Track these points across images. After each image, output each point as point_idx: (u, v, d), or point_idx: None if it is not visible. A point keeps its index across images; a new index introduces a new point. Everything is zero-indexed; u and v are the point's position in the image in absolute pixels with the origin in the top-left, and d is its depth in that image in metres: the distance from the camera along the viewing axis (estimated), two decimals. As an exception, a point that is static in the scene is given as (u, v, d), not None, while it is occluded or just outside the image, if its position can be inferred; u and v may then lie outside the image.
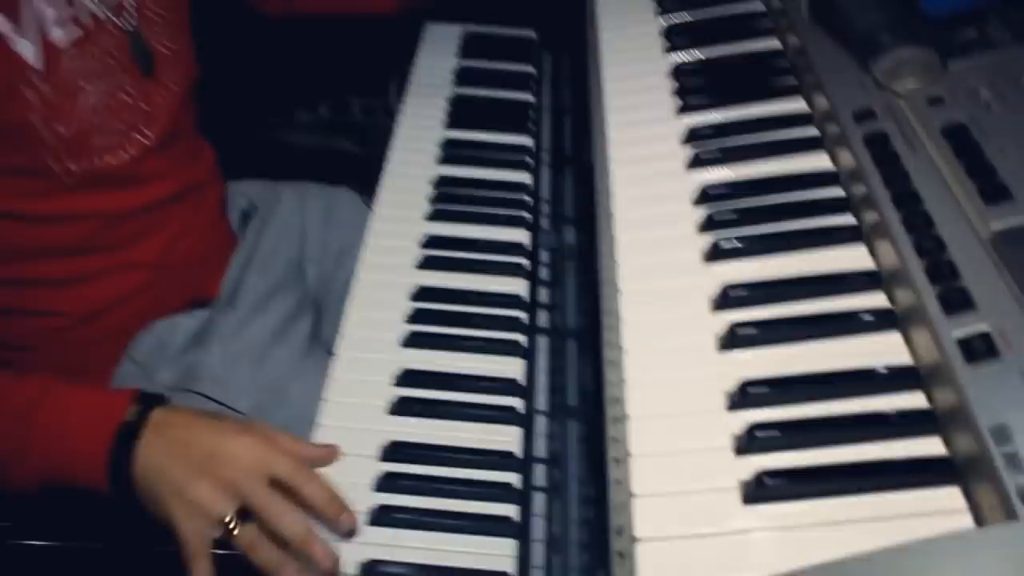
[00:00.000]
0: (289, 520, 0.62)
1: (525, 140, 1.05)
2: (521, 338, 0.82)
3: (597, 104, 0.81)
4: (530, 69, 1.18)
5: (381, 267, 0.89)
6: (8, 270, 0.83)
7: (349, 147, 2.12)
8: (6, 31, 0.71)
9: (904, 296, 0.55)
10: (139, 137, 0.86)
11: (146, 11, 0.86)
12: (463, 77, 1.15)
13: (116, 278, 0.90)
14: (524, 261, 0.90)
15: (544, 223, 0.95)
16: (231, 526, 0.62)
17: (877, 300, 0.57)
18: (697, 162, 0.70)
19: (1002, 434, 0.44)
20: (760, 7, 0.88)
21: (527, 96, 1.13)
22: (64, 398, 0.70)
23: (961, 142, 0.59)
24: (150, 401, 0.69)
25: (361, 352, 0.80)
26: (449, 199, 0.96)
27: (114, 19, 0.82)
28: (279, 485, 0.64)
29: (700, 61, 0.82)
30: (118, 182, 0.86)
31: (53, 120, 0.76)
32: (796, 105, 0.74)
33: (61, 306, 0.88)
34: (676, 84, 0.80)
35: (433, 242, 0.91)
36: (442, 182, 0.98)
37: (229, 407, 0.88)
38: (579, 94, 1.08)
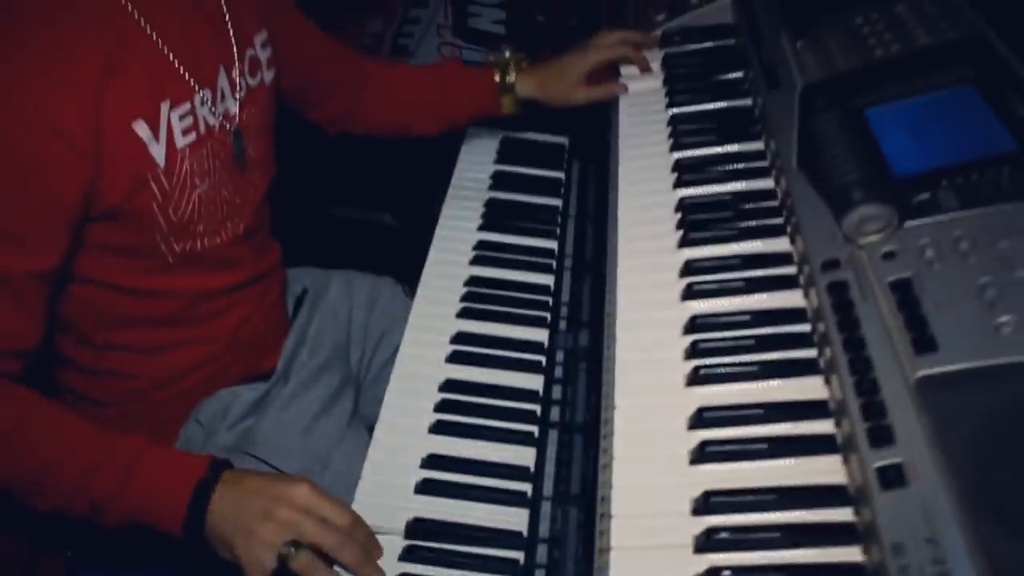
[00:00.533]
0: (348, 549, 0.76)
1: (551, 244, 1.18)
2: (534, 429, 0.93)
3: (612, 231, 0.93)
4: (559, 175, 1.31)
5: (416, 360, 1.02)
6: (102, 336, 0.98)
7: (389, 220, 2.26)
8: (146, 138, 0.86)
9: (845, 426, 0.66)
10: (231, 226, 1.00)
11: (246, 118, 1.01)
12: (498, 181, 1.28)
13: (192, 349, 1.04)
14: (542, 359, 1.01)
15: (562, 325, 1.07)
16: (289, 555, 0.76)
17: (825, 427, 0.68)
18: (689, 295, 0.82)
19: (899, 550, 0.55)
20: (759, 146, 1.00)
21: (555, 201, 1.26)
22: (156, 458, 0.83)
23: (904, 295, 0.71)
24: (220, 465, 0.83)
25: (395, 436, 0.92)
26: (479, 299, 1.09)
27: (224, 124, 0.97)
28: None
29: (702, 197, 0.94)
30: (208, 265, 1.00)
31: (168, 208, 0.91)
32: (780, 244, 0.86)
33: (143, 370, 1.02)
34: (680, 218, 0.92)
35: (462, 339, 1.03)
36: (473, 282, 1.11)
37: (279, 469, 1.00)
38: (602, 202, 1.20)
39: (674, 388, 0.75)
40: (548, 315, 1.07)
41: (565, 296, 1.10)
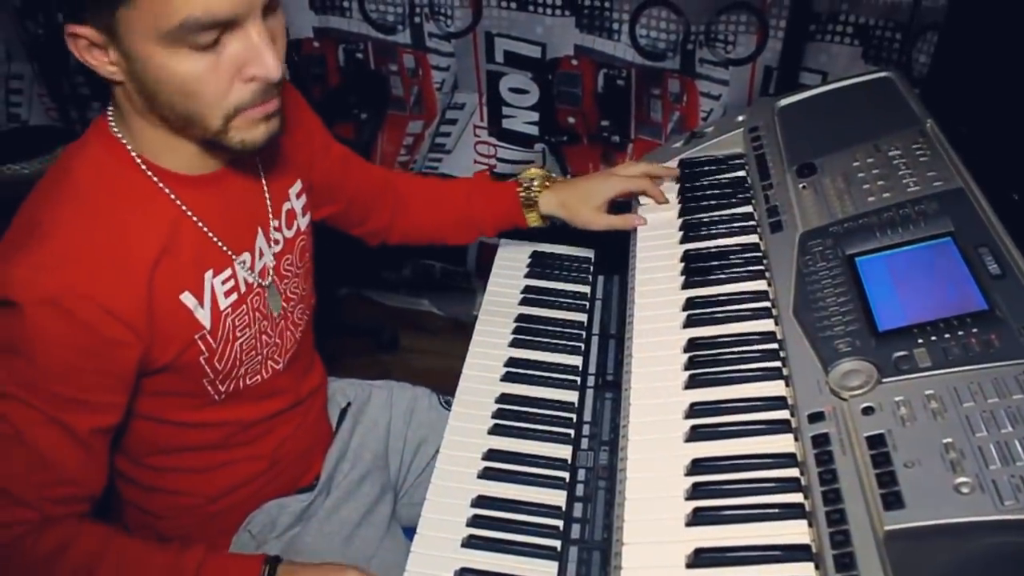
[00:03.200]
0: None
1: (576, 360, 1.28)
2: (556, 544, 1.03)
3: (627, 371, 1.04)
4: (585, 290, 1.41)
5: (450, 475, 1.12)
6: (156, 460, 1.10)
7: (427, 306, 2.39)
8: (192, 305, 0.98)
9: (821, 574, 0.76)
10: (272, 364, 1.13)
11: (282, 270, 1.13)
12: (528, 297, 1.39)
13: (239, 468, 1.16)
14: (565, 476, 1.11)
15: (583, 443, 1.17)
16: None
17: (805, 571, 0.78)
18: (693, 437, 0.93)
19: None
20: (763, 286, 1.10)
21: (581, 316, 1.36)
22: (219, 564, 0.96)
23: (878, 451, 0.80)
24: (274, 560, 0.96)
25: (431, 550, 1.02)
26: (508, 415, 1.19)
27: (260, 281, 1.08)
28: None
29: (709, 339, 1.05)
30: (252, 398, 1.12)
31: (213, 359, 1.03)
32: (776, 388, 0.96)
33: (194, 488, 1.14)
34: (687, 360, 1.02)
35: (492, 455, 1.13)
36: (503, 399, 1.21)
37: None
38: (623, 320, 1.30)
39: (675, 530, 0.84)
40: (572, 432, 1.17)
41: (588, 414, 1.18)
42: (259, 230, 1.07)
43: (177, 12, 0.77)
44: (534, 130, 2.09)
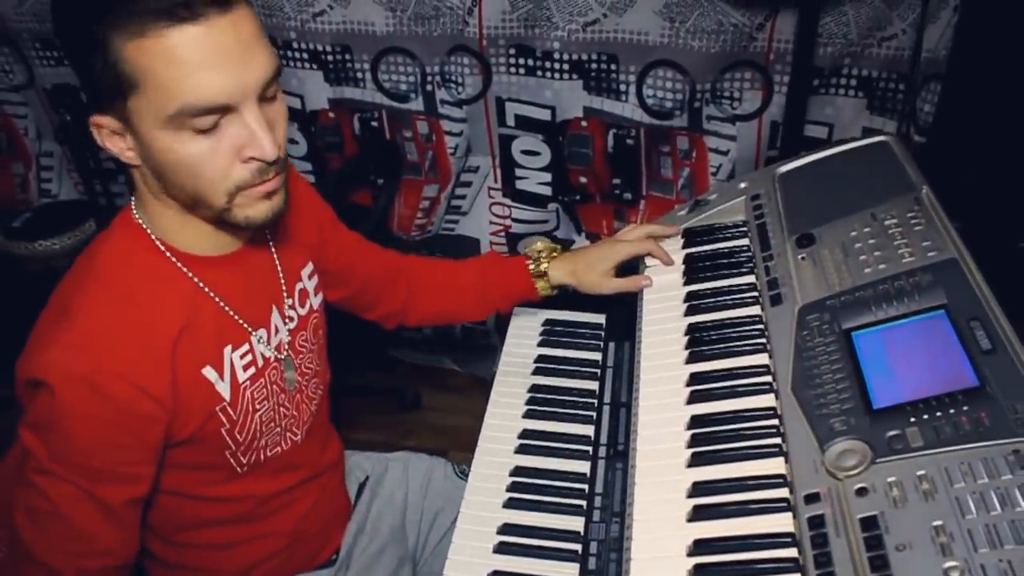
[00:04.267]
0: None
1: (588, 430, 1.31)
2: (570, 619, 1.06)
3: (633, 448, 1.08)
4: (596, 357, 1.44)
5: (465, 550, 1.15)
6: (180, 536, 1.15)
7: (448, 364, 2.44)
8: (213, 379, 1.04)
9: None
10: (290, 436, 1.18)
11: (297, 346, 1.18)
12: (541, 367, 1.43)
13: (260, 543, 1.20)
14: (578, 548, 1.14)
15: (595, 515, 1.20)
16: None
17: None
18: (695, 516, 0.96)
19: None
20: (765, 360, 1.13)
21: (592, 385, 1.39)
22: None
23: (871, 533, 0.83)
24: None
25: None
26: (522, 488, 1.22)
27: (277, 355, 1.14)
28: None
29: (710, 416, 1.08)
30: (272, 471, 1.16)
31: (234, 431, 1.08)
32: (776, 465, 0.99)
33: (216, 565, 1.19)
34: (690, 438, 1.06)
35: (506, 529, 1.17)
36: (517, 471, 1.24)
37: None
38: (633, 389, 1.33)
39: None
40: (584, 503, 1.20)
41: (599, 485, 1.21)
42: (274, 307, 1.12)
43: (174, 100, 0.84)
44: (547, 190, 2.14)
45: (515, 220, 2.20)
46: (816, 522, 0.87)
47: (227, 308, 1.05)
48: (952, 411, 0.91)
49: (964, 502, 0.82)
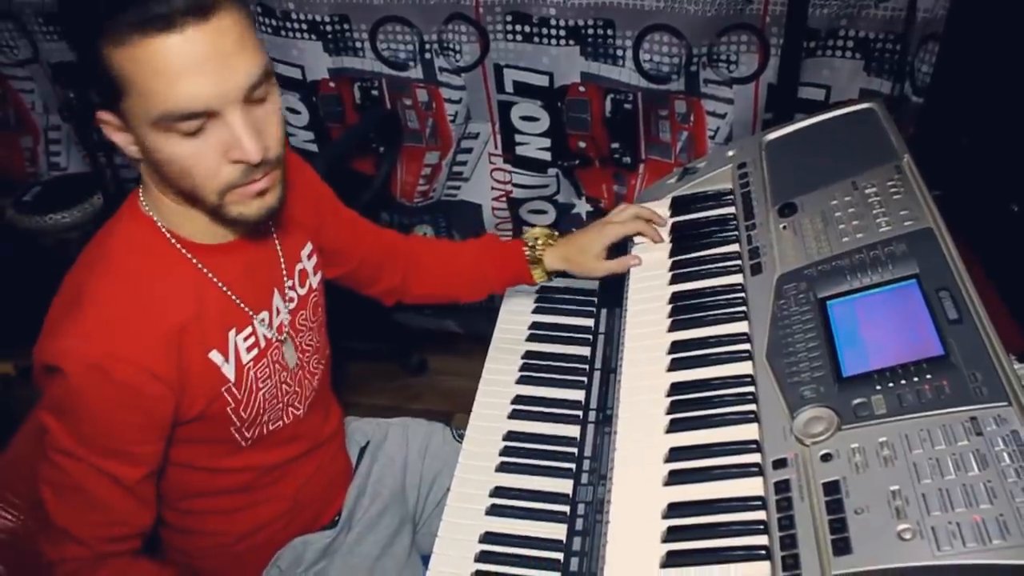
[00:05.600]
0: None
1: (579, 395, 1.35)
2: (556, 577, 1.11)
3: (615, 415, 1.12)
4: (589, 323, 1.48)
5: (459, 512, 1.20)
6: (188, 504, 1.21)
7: (453, 328, 2.49)
8: (219, 362, 1.09)
9: (779, 615, 0.84)
10: (292, 410, 1.23)
11: (297, 325, 1.23)
12: (535, 333, 1.47)
13: (265, 508, 1.27)
14: (566, 510, 1.19)
15: (583, 478, 1.24)
16: None
17: (768, 611, 0.86)
18: (670, 481, 1.01)
19: None
20: (744, 328, 1.17)
21: (584, 351, 1.43)
22: None
23: (832, 497, 0.87)
24: None
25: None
26: (514, 452, 1.27)
27: (277, 336, 1.19)
28: None
29: (689, 383, 1.12)
30: (275, 443, 1.22)
31: (239, 409, 1.13)
32: (750, 432, 1.02)
33: (224, 528, 1.25)
34: (669, 405, 1.10)
35: (499, 492, 1.22)
36: (510, 436, 1.29)
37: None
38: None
39: (650, 570, 0.92)
40: (574, 466, 1.25)
41: (588, 449, 1.25)
42: (275, 290, 1.16)
43: (157, 106, 0.87)
44: (547, 156, 2.16)
45: (516, 185, 2.23)
46: (782, 486, 0.92)
47: (231, 294, 1.09)
48: (916, 379, 0.94)
49: (921, 467, 0.86)
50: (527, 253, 1.43)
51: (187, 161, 0.92)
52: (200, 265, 1.06)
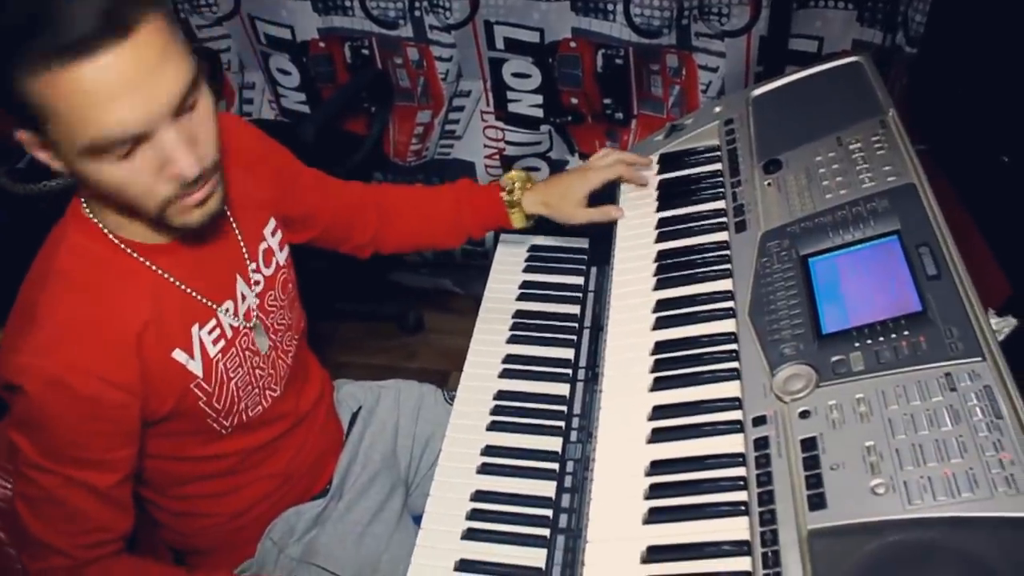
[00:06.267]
0: None
1: (568, 353, 1.37)
2: (546, 533, 1.14)
3: (600, 374, 1.14)
4: (579, 281, 1.49)
5: (451, 472, 1.23)
6: (178, 490, 1.22)
7: (449, 286, 2.50)
8: (183, 360, 1.05)
9: (754, 568, 0.86)
10: (269, 393, 1.23)
11: (266, 306, 1.21)
12: (525, 292, 1.48)
13: (254, 487, 1.28)
14: (556, 467, 1.21)
15: (572, 435, 1.26)
16: None
17: (743, 564, 0.88)
18: (653, 439, 1.02)
19: None
20: (729, 286, 1.18)
21: (574, 309, 1.45)
22: None
23: (809, 454, 0.89)
24: None
25: (433, 543, 1.14)
26: (504, 411, 1.29)
27: (245, 323, 1.17)
28: None
29: (674, 341, 1.13)
30: (255, 427, 1.22)
31: (212, 402, 1.12)
32: (733, 389, 1.04)
33: (215, 509, 1.27)
34: (653, 363, 1.11)
35: (489, 451, 1.24)
36: (500, 395, 1.31)
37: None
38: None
39: (633, 526, 0.95)
40: (563, 424, 1.27)
41: (577, 406, 1.27)
42: (238, 276, 1.13)
43: (83, 136, 0.82)
44: (539, 112, 2.16)
45: (508, 143, 2.22)
46: (761, 443, 0.94)
47: (188, 290, 1.06)
48: (894, 336, 0.95)
49: (895, 423, 0.87)
50: (505, 197, 1.40)
51: (120, 183, 0.88)
52: (153, 266, 1.03)
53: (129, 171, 0.87)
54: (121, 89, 0.80)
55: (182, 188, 0.91)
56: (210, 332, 1.10)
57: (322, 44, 2.14)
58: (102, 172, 0.87)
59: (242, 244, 1.16)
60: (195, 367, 1.07)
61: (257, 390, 1.19)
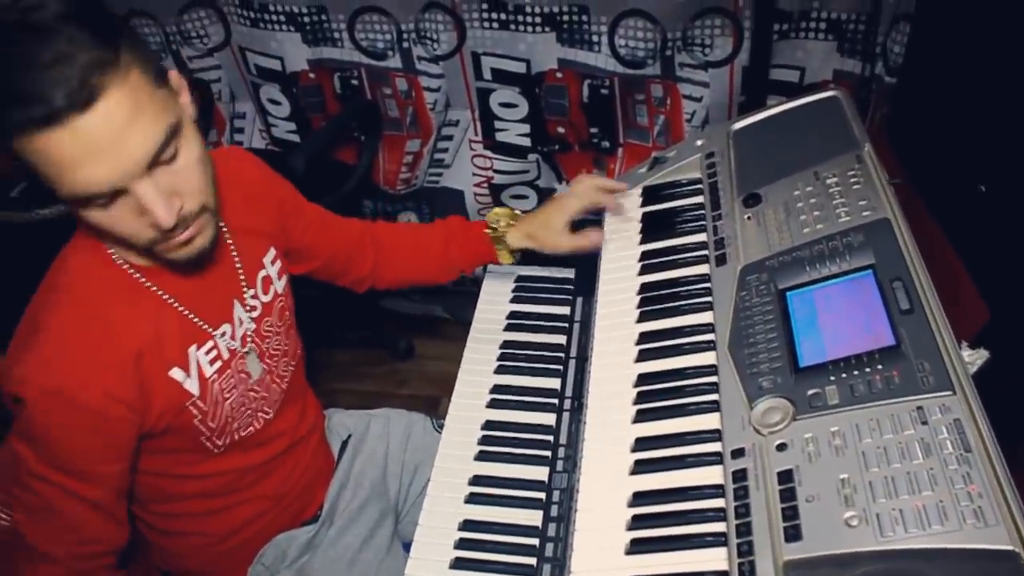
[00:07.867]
0: None
1: (555, 383, 1.40)
2: (532, 562, 1.16)
3: (585, 405, 1.16)
4: (565, 311, 1.52)
5: (439, 501, 1.25)
6: (167, 508, 1.25)
7: (440, 313, 2.52)
8: (180, 378, 1.11)
9: (733, 600, 0.88)
10: (262, 415, 1.26)
11: (263, 332, 1.24)
12: (512, 323, 1.51)
13: (245, 508, 1.30)
14: (542, 496, 1.24)
15: (559, 465, 1.29)
16: None
17: (724, 596, 0.90)
18: (636, 470, 1.05)
19: None
20: (709, 319, 1.21)
21: (560, 339, 1.47)
22: None
23: (786, 486, 0.91)
24: None
25: (421, 572, 1.16)
26: (492, 441, 1.31)
27: (241, 348, 1.20)
28: None
29: (656, 374, 1.16)
30: (248, 447, 1.25)
31: (206, 420, 1.16)
32: (713, 421, 1.06)
33: (204, 529, 1.29)
34: (636, 395, 1.14)
35: (477, 481, 1.26)
36: (488, 425, 1.33)
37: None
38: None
39: (615, 557, 0.97)
40: (549, 454, 1.29)
41: (563, 436, 1.30)
42: (235, 302, 1.17)
43: (61, 189, 0.87)
44: (527, 141, 2.19)
45: (497, 171, 2.25)
46: (739, 475, 0.96)
47: (187, 312, 1.09)
48: (868, 370, 0.98)
49: (869, 456, 0.90)
50: (491, 234, 1.44)
51: (108, 226, 0.93)
52: (154, 288, 1.06)
53: (111, 218, 0.91)
54: (87, 153, 0.84)
55: (164, 234, 0.94)
56: (207, 353, 1.14)
57: (312, 75, 2.17)
58: (90, 216, 0.92)
59: (240, 271, 1.19)
60: (191, 386, 1.10)
61: (249, 412, 1.22)
